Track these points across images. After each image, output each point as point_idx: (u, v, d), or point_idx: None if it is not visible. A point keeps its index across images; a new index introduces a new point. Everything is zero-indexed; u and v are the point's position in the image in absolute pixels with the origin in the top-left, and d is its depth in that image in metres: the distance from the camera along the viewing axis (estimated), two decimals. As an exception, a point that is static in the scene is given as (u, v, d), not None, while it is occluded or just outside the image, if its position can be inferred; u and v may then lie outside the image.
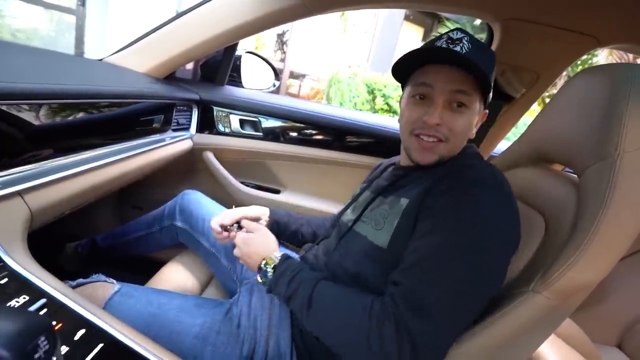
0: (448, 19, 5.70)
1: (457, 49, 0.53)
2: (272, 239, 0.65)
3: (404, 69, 0.59)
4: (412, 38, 7.35)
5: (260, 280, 0.60)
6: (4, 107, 0.48)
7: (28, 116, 0.53)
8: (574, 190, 0.54)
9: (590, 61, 5.00)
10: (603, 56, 5.11)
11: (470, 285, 0.46)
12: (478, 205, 0.48)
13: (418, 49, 0.56)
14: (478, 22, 5.20)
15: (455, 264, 0.46)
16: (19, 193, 0.50)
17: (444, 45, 0.54)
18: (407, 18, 7.04)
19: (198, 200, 0.89)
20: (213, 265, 0.84)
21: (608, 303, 1.12)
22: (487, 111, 0.61)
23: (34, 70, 0.62)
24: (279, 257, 0.60)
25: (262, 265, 0.59)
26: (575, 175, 0.57)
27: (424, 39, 7.49)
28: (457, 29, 0.56)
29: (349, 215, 0.68)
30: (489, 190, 0.50)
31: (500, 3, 0.85)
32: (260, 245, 0.63)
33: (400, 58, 0.57)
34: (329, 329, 0.51)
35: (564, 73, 1.06)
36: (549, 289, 0.47)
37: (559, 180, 0.60)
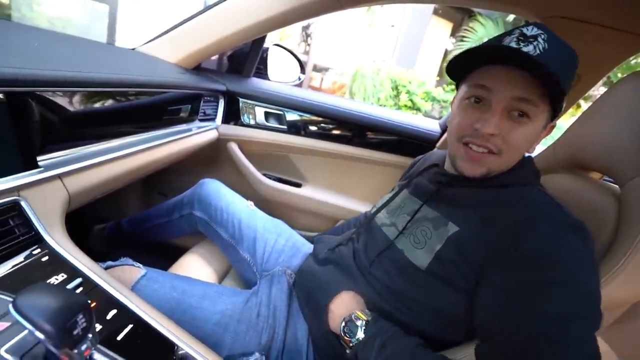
0: (480, 14, 5.47)
1: (529, 48, 0.46)
2: (359, 298, 0.58)
3: (462, 66, 0.53)
4: (440, 33, 7.14)
5: (344, 337, 0.52)
6: (44, 94, 0.51)
7: (65, 103, 0.56)
8: (614, 201, 0.52)
9: (632, 63, 4.70)
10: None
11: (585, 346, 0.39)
12: (570, 255, 0.42)
13: (481, 46, 0.49)
14: (511, 18, 4.96)
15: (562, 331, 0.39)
16: (59, 176, 0.53)
17: (512, 43, 0.47)
18: (435, 12, 6.83)
19: (217, 190, 0.90)
20: (231, 256, 0.86)
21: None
22: (554, 124, 0.52)
23: (72, 58, 0.64)
24: (371, 316, 0.53)
25: (353, 318, 0.52)
26: (616, 186, 0.54)
27: (452, 34, 7.25)
28: (533, 24, 0.48)
29: (384, 219, 0.65)
30: (579, 234, 0.44)
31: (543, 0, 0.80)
32: (351, 299, 0.57)
33: (459, 55, 0.50)
34: None
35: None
36: None
37: (598, 190, 0.57)
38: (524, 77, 0.46)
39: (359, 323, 0.51)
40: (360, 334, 0.50)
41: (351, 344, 0.51)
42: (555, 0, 0.79)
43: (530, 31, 0.47)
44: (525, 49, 0.46)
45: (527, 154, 0.56)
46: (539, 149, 0.85)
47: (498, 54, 0.48)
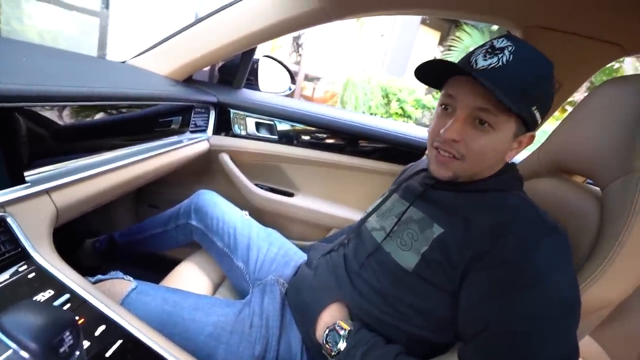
0: (466, 24, 5.61)
1: (493, 60, 0.48)
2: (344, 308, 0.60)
3: (439, 75, 0.55)
4: (428, 42, 7.29)
5: (326, 345, 0.54)
6: (32, 109, 0.51)
7: (53, 117, 0.55)
8: (597, 203, 0.53)
9: (614, 69, 4.85)
10: (630, 65, 4.94)
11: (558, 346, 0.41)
12: (542, 257, 0.44)
13: (435, 60, 0.52)
14: (495, 27, 5.11)
15: (534, 332, 0.41)
16: (47, 191, 0.52)
17: (480, 56, 0.50)
18: (423, 22, 6.99)
19: (213, 201, 0.91)
20: (226, 265, 0.85)
21: (630, 322, 1.08)
22: (533, 134, 0.53)
23: (60, 72, 0.65)
24: (354, 325, 0.55)
25: (337, 327, 0.54)
26: (598, 188, 0.55)
27: (440, 43, 7.41)
28: (504, 36, 0.51)
29: (374, 223, 0.66)
30: (557, 236, 0.46)
31: (521, 10, 0.83)
32: (337, 310, 0.59)
33: (419, 67, 0.53)
34: None
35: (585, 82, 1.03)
36: None
37: (581, 193, 0.58)
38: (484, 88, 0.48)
39: (342, 332, 0.53)
40: (342, 344, 0.52)
41: (332, 353, 0.53)
42: (535, 11, 0.82)
43: (499, 43, 0.50)
44: (488, 61, 0.48)
45: (510, 161, 0.57)
46: (525, 154, 0.87)
47: (443, 66, 0.51)
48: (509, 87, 0.47)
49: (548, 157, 0.70)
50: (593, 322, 0.51)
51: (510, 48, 0.48)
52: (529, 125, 0.52)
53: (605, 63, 0.91)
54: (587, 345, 0.90)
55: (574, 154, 0.62)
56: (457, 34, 5.63)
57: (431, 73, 0.55)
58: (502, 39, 0.50)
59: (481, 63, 0.49)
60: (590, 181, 0.67)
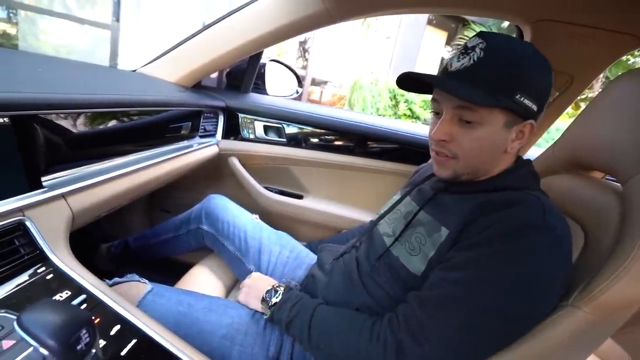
0: (474, 22, 5.57)
1: (465, 60, 0.50)
2: (270, 279, 0.70)
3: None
4: (435, 42, 7.26)
5: (262, 309, 0.64)
6: (47, 117, 0.52)
7: (68, 124, 0.57)
8: (617, 199, 0.51)
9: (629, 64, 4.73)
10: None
11: (488, 338, 0.45)
12: (520, 253, 0.45)
13: (409, 72, 0.54)
14: (506, 24, 5.05)
15: (480, 315, 0.44)
16: (63, 195, 0.54)
17: (455, 57, 0.52)
18: (430, 22, 6.97)
19: (224, 205, 0.92)
20: (237, 269, 0.86)
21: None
22: (532, 122, 0.52)
23: (74, 81, 0.67)
24: (283, 287, 0.64)
25: (270, 290, 0.64)
26: (618, 184, 0.54)
27: (447, 43, 7.37)
28: (477, 34, 0.52)
29: (385, 227, 0.65)
30: (537, 235, 0.45)
31: (530, 4, 0.82)
32: (262, 280, 0.69)
33: (398, 79, 0.56)
34: (331, 350, 0.53)
35: (601, 75, 1.00)
36: (590, 304, 0.44)
37: (600, 189, 0.56)
38: None
39: (279, 290, 0.63)
40: (275, 299, 0.62)
41: (269, 306, 0.62)
42: (543, 5, 0.81)
43: (471, 42, 0.51)
44: (461, 62, 0.51)
45: (524, 157, 0.57)
46: (537, 151, 0.85)
47: (422, 78, 0.52)
48: (482, 82, 0.48)
49: (564, 153, 0.68)
50: (616, 323, 0.49)
51: (481, 45, 0.49)
52: (521, 114, 0.50)
53: (620, 55, 0.88)
54: (609, 348, 0.87)
55: (592, 149, 0.60)
56: (465, 32, 5.60)
57: (413, 81, 0.56)
58: (474, 38, 0.51)
59: (455, 65, 0.52)
60: (610, 177, 0.65)
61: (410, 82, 0.57)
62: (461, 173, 0.55)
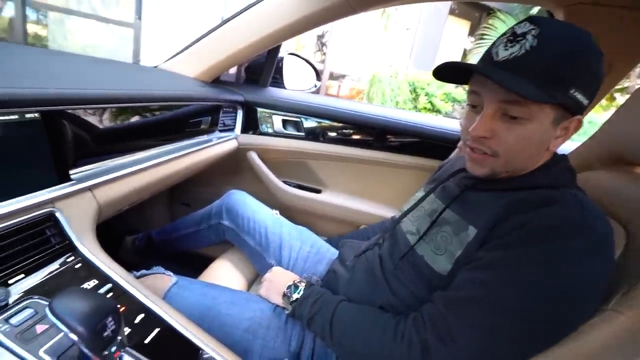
0: (500, 10, 5.32)
1: (515, 49, 0.44)
2: (291, 274, 0.71)
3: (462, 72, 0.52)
4: (457, 33, 7.01)
5: (283, 304, 0.64)
6: (75, 112, 0.54)
7: (94, 119, 0.59)
8: None
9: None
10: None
11: (517, 342, 0.43)
12: (555, 255, 0.41)
13: (450, 62, 0.50)
14: (535, 10, 4.80)
15: (508, 319, 0.42)
16: (90, 188, 0.56)
17: (501, 45, 0.46)
18: (452, 12, 6.73)
19: (244, 201, 0.93)
20: (258, 263, 0.87)
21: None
22: (580, 118, 0.48)
23: (99, 78, 0.68)
24: (305, 282, 0.65)
25: (297, 283, 0.64)
26: None
27: (470, 33, 7.10)
28: (527, 19, 0.46)
29: (409, 225, 0.63)
30: (575, 236, 0.42)
31: (563, -13, 0.77)
32: (283, 275, 0.70)
33: (435, 70, 0.52)
34: (353, 348, 0.53)
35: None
36: (633, 309, 0.41)
37: None
38: None
39: (300, 286, 0.64)
40: (296, 295, 0.62)
41: (291, 301, 0.62)
42: None
43: (520, 29, 0.46)
44: (509, 50, 0.45)
45: (557, 150, 0.52)
46: (571, 145, 0.80)
47: (467, 67, 0.49)
48: (536, 75, 0.43)
49: (604, 146, 0.64)
50: None
51: (533, 31, 0.44)
52: (572, 109, 0.46)
53: (663, 39, 0.81)
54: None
55: (636, 141, 0.56)
56: (490, 21, 5.36)
57: (452, 71, 0.52)
58: (523, 23, 0.46)
59: (502, 54, 0.46)
60: None
61: (447, 72, 0.52)
62: (499, 172, 0.51)
